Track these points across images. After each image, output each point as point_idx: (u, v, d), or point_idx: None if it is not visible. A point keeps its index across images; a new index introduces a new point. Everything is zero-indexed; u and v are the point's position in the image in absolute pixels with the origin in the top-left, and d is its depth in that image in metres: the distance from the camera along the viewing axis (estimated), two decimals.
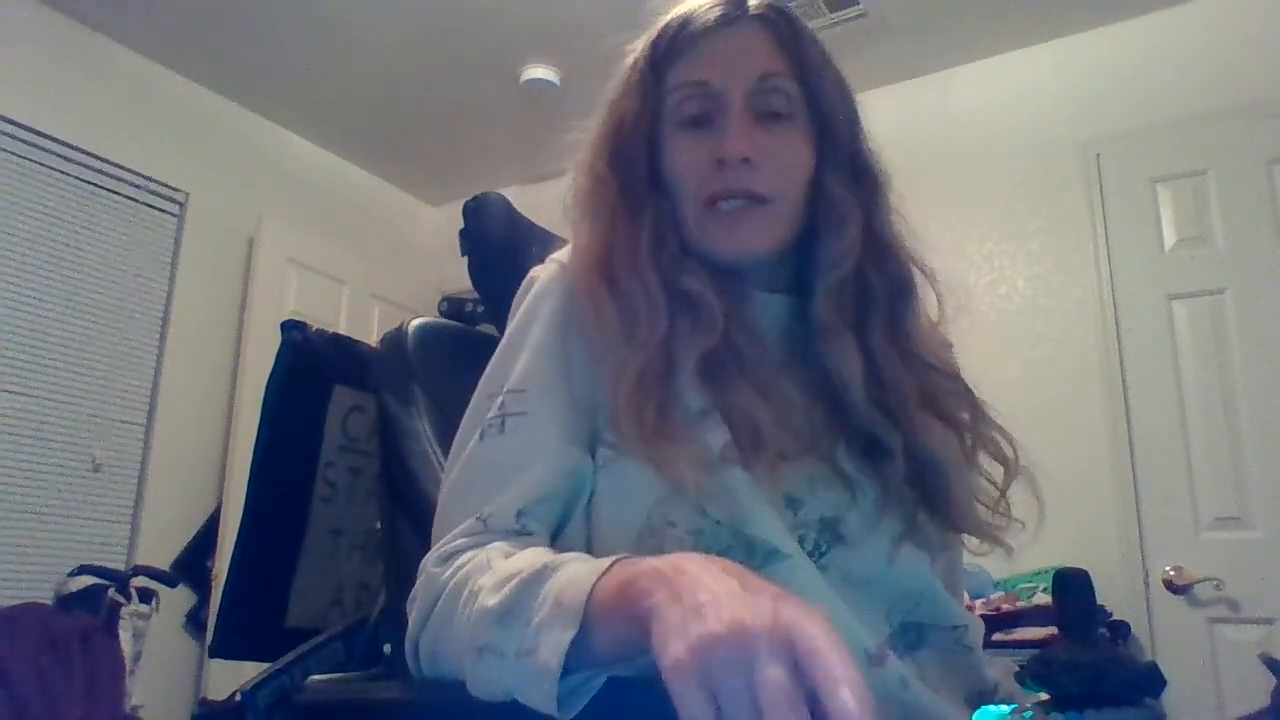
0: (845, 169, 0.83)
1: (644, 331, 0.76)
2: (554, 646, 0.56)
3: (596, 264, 0.80)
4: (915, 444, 0.77)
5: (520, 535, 0.72)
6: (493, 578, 0.64)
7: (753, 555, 0.71)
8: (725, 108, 0.80)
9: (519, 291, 0.85)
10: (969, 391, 0.84)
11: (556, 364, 0.78)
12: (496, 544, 0.70)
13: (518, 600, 0.60)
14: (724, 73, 0.80)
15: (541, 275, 0.84)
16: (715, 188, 0.79)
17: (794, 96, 0.81)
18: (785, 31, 0.82)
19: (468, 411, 0.80)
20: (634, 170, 0.82)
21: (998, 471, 0.82)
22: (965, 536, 0.84)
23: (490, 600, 0.62)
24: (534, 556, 0.65)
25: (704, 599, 0.47)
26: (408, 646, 0.72)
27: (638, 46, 0.85)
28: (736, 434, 0.73)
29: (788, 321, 0.84)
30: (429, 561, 0.73)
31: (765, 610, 0.45)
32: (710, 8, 0.81)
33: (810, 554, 0.72)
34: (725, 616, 0.45)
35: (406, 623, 0.73)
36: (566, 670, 0.56)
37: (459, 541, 0.72)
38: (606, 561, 0.59)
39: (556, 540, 0.75)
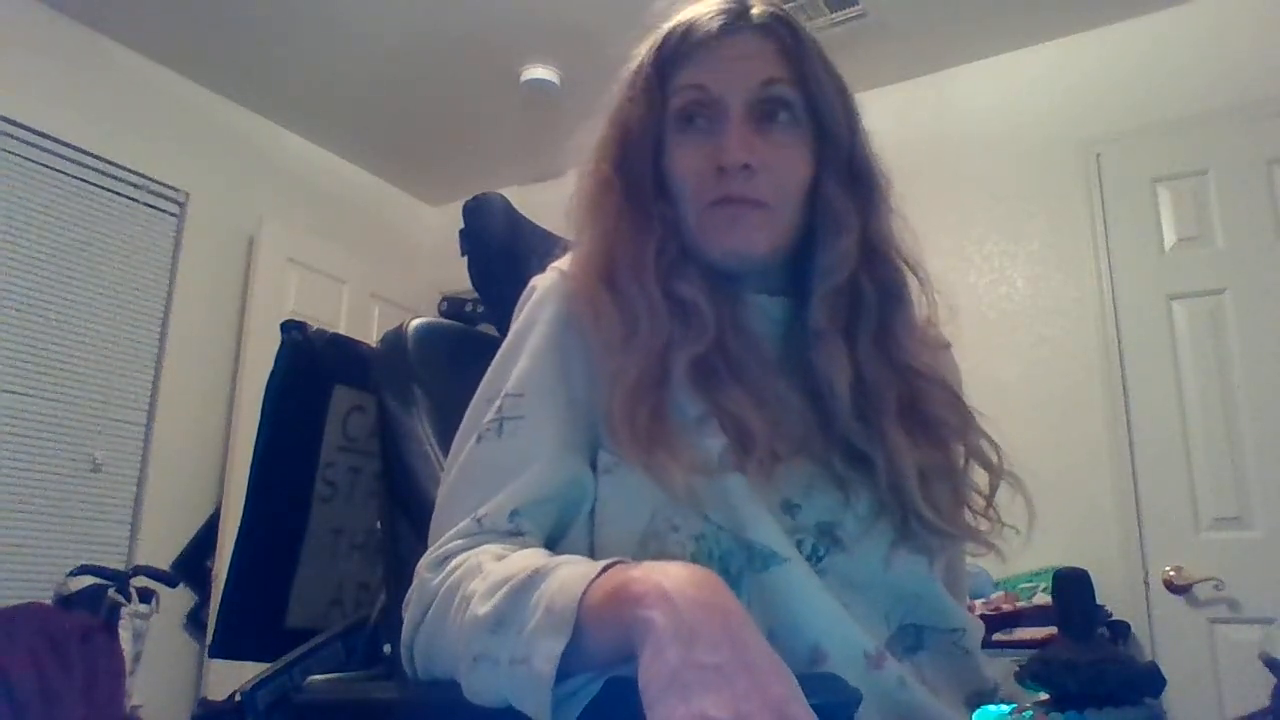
0: (844, 175, 0.83)
1: (643, 338, 0.76)
2: (546, 655, 0.56)
3: (599, 269, 0.80)
4: (891, 453, 0.77)
5: (515, 535, 0.72)
6: (484, 583, 0.64)
7: (752, 559, 0.71)
8: (725, 113, 0.80)
9: (520, 299, 0.86)
10: (956, 397, 0.84)
11: (555, 369, 0.78)
12: (489, 546, 0.70)
13: (510, 607, 0.61)
14: (725, 79, 0.80)
15: (542, 283, 0.85)
16: (716, 194, 0.79)
17: (794, 103, 0.81)
18: (787, 39, 0.82)
19: (466, 415, 0.81)
20: (639, 174, 0.82)
21: (985, 476, 0.82)
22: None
23: (482, 608, 0.62)
24: (525, 560, 0.65)
25: (710, 660, 0.48)
26: (403, 650, 0.73)
27: (640, 52, 0.85)
28: (730, 438, 0.73)
29: (783, 324, 0.84)
30: (423, 565, 0.73)
31: (771, 708, 0.46)
32: (713, 16, 0.81)
33: (808, 558, 0.73)
34: (732, 706, 0.46)
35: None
36: (561, 676, 0.56)
37: (454, 544, 0.72)
38: (598, 565, 0.59)
39: (559, 546, 0.74)
